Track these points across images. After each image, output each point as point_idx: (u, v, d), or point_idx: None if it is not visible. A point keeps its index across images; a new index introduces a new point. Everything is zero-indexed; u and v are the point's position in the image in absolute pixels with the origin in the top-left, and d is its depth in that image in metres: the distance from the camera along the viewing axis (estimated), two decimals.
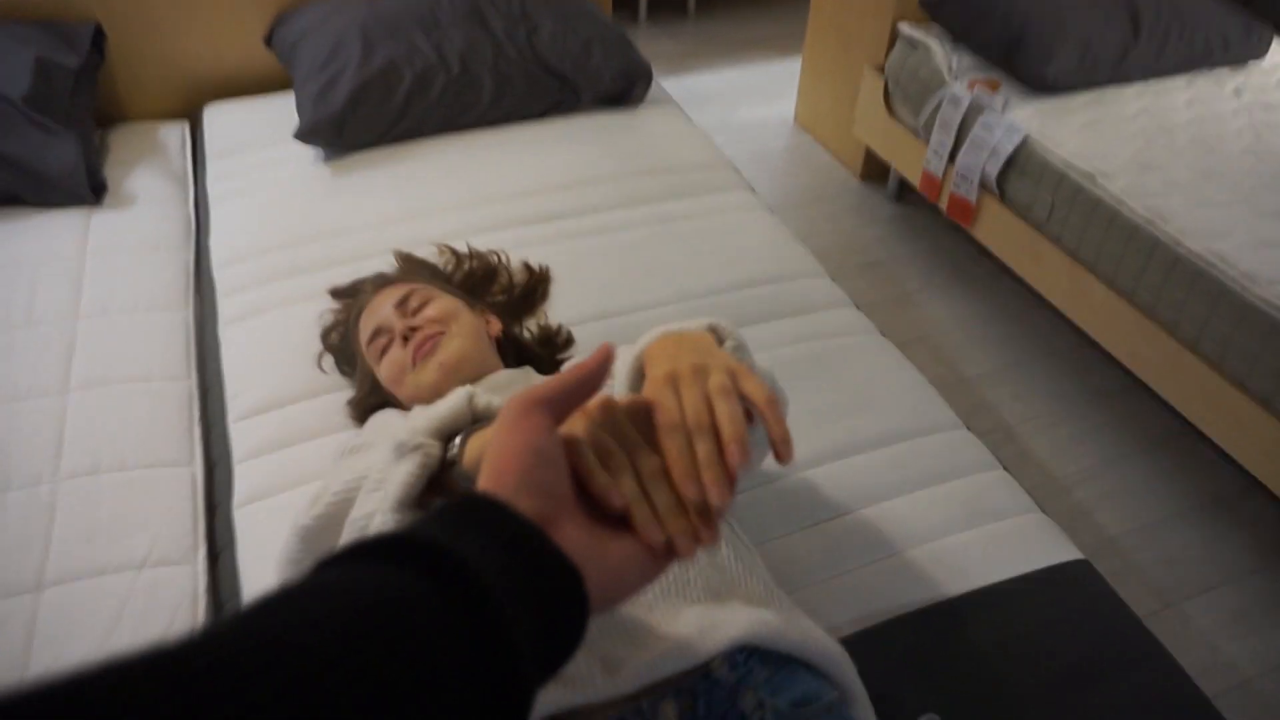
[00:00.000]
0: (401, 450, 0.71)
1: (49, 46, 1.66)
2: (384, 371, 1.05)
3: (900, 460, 1.11)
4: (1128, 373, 1.90)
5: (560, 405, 0.48)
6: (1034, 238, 1.97)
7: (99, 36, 1.79)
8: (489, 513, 0.41)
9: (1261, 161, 1.85)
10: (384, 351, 1.05)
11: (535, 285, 1.34)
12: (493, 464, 0.45)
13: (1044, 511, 1.09)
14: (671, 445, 0.49)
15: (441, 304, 1.06)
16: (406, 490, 0.67)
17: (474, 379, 1.01)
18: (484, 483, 0.44)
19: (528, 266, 1.36)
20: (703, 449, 0.49)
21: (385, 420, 1.00)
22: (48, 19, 1.74)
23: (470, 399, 0.75)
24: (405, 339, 1.02)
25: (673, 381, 0.54)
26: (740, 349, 0.79)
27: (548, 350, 1.21)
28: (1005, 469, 1.14)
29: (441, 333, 1.03)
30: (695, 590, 0.78)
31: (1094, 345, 2.01)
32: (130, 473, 1.09)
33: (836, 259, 2.34)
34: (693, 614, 0.75)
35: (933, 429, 1.16)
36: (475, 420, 0.75)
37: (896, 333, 2.11)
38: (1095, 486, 1.79)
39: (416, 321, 1.04)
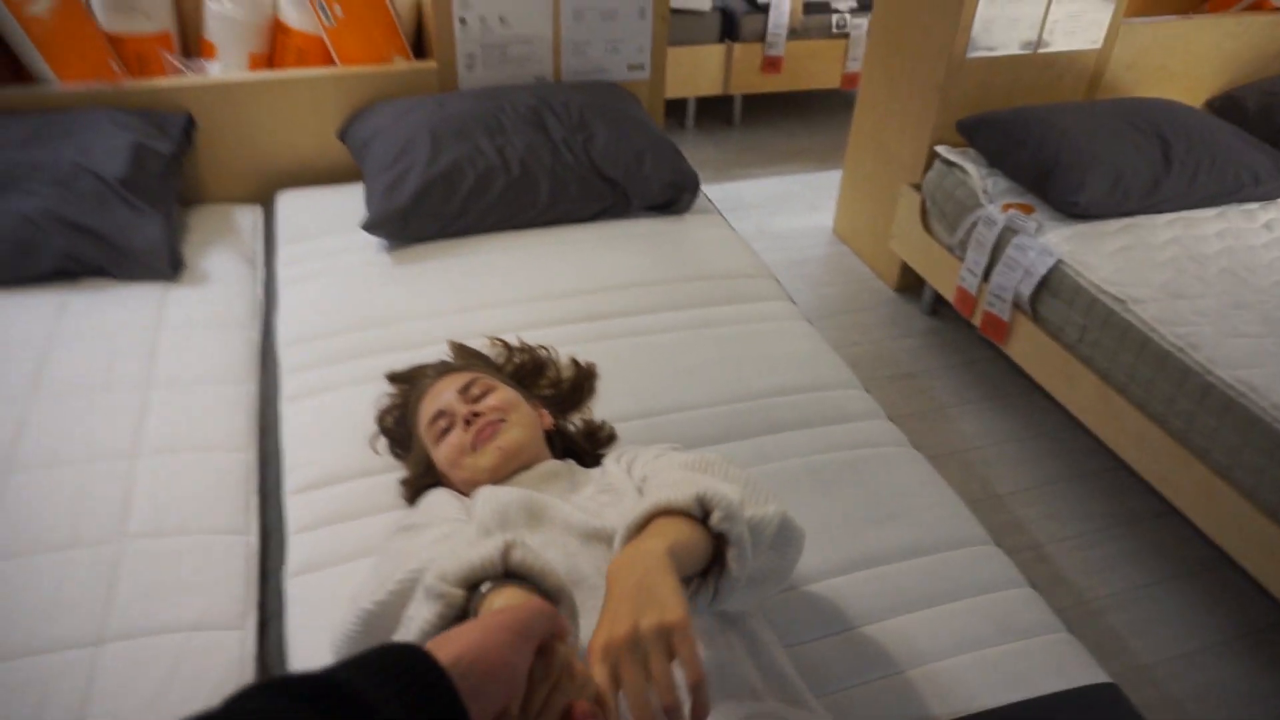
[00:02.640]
0: (429, 593, 0.76)
1: (146, 133, 1.80)
2: (442, 453, 1.10)
3: (928, 572, 1.14)
4: (1162, 498, 1.91)
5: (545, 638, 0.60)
6: (1066, 359, 2.01)
7: (190, 125, 1.94)
8: (416, 664, 0.47)
9: None
10: (444, 434, 1.10)
11: (582, 381, 1.40)
12: (465, 643, 0.53)
13: (1075, 633, 1.10)
14: None
15: (502, 394, 1.13)
16: (423, 635, 0.75)
17: (527, 466, 1.06)
18: (446, 644, 0.52)
19: (575, 363, 1.42)
20: None
21: (437, 500, 1.05)
22: (147, 108, 1.89)
23: (506, 552, 0.77)
24: (467, 423, 1.08)
25: (610, 658, 0.66)
26: (729, 518, 0.81)
27: (591, 444, 1.26)
28: (1034, 587, 1.16)
29: (502, 420, 1.09)
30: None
31: (1128, 468, 2.02)
32: (190, 537, 1.15)
33: (870, 369, 2.39)
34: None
35: (962, 543, 1.19)
36: (507, 574, 0.77)
37: (929, 446, 2.14)
38: (1128, 612, 1.78)
39: (479, 408, 1.10)
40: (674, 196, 1.94)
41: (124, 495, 1.20)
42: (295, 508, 1.21)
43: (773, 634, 0.97)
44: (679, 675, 0.71)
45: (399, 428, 1.26)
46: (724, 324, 1.60)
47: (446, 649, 0.51)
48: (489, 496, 0.98)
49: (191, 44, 2.22)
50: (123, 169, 1.69)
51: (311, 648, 1.02)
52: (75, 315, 1.55)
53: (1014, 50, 2.39)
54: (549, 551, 0.92)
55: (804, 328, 1.62)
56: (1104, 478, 2.07)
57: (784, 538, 0.91)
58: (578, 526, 0.94)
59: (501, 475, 1.05)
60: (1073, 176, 2.10)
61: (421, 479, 1.15)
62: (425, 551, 0.89)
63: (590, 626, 0.73)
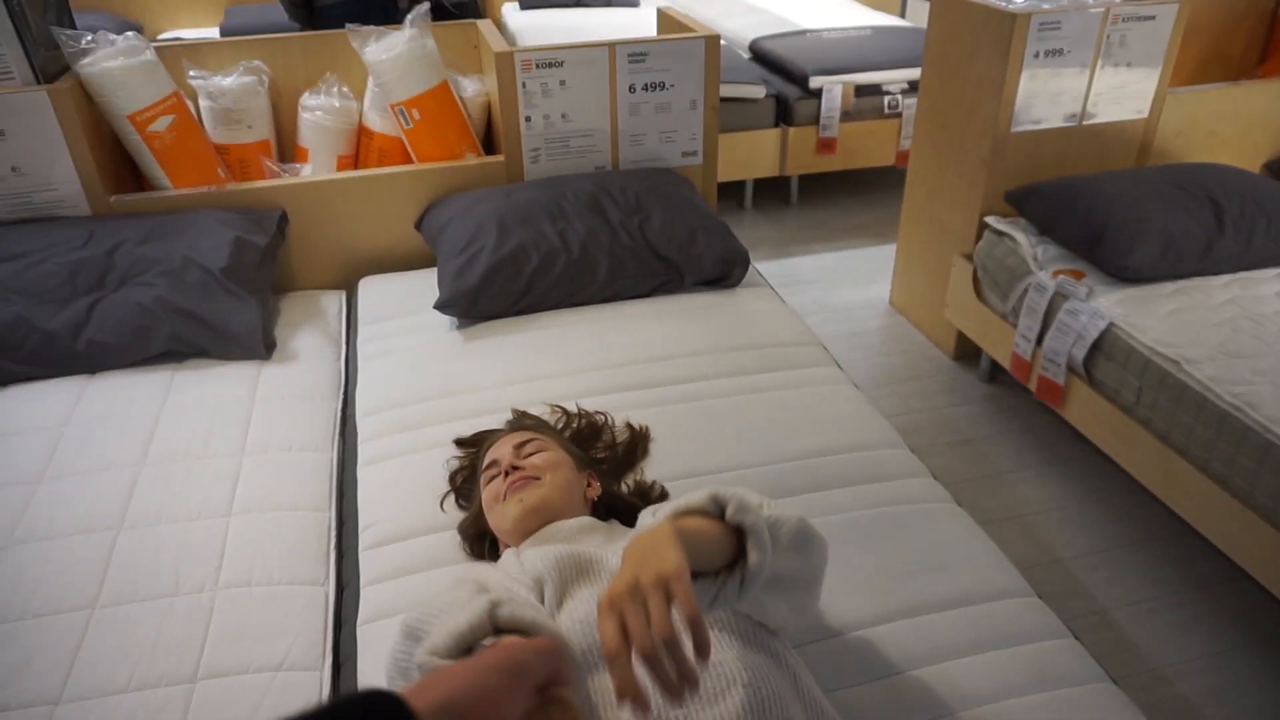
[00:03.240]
0: (422, 669, 0.80)
1: (245, 228, 2.00)
2: (484, 496, 1.22)
3: (969, 621, 1.16)
4: (1231, 561, 1.86)
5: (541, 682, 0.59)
6: (1123, 421, 2.00)
7: (283, 220, 2.14)
8: (387, 712, 0.46)
9: None
10: (490, 480, 1.22)
11: (636, 443, 1.48)
12: (453, 686, 0.52)
13: (1143, 704, 1.10)
14: (614, 670, 0.65)
15: (551, 455, 1.22)
16: None
17: (550, 521, 1.15)
18: (433, 687, 0.51)
19: (630, 426, 1.51)
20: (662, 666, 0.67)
21: (504, 560, 1.11)
22: (247, 207, 2.11)
23: (491, 610, 0.80)
24: (507, 474, 1.19)
25: (615, 609, 0.70)
26: (743, 509, 0.88)
27: (643, 502, 1.33)
28: (1078, 638, 1.17)
29: (537, 478, 1.18)
30: (771, 718, 0.87)
31: (1194, 532, 1.99)
32: (275, 587, 1.26)
33: (930, 435, 2.41)
34: None
35: (1004, 594, 1.21)
36: (498, 631, 0.80)
37: (989, 511, 2.14)
38: (1200, 680, 1.73)
39: (522, 462, 1.20)
40: (725, 272, 2.05)
41: (218, 550, 1.32)
42: (368, 562, 1.31)
43: (811, 677, 1.01)
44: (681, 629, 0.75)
45: (466, 485, 1.36)
46: (772, 389, 1.67)
47: (431, 692, 0.49)
48: (540, 554, 1.05)
49: (287, 149, 2.47)
50: (224, 260, 1.88)
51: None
52: (180, 391, 1.72)
53: (1059, 123, 2.46)
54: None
55: (850, 391, 1.68)
56: (1170, 542, 2.03)
57: (803, 537, 0.97)
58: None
59: (527, 529, 1.14)
60: (1122, 241, 2.13)
61: (471, 527, 1.25)
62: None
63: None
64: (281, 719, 0.44)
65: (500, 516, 1.17)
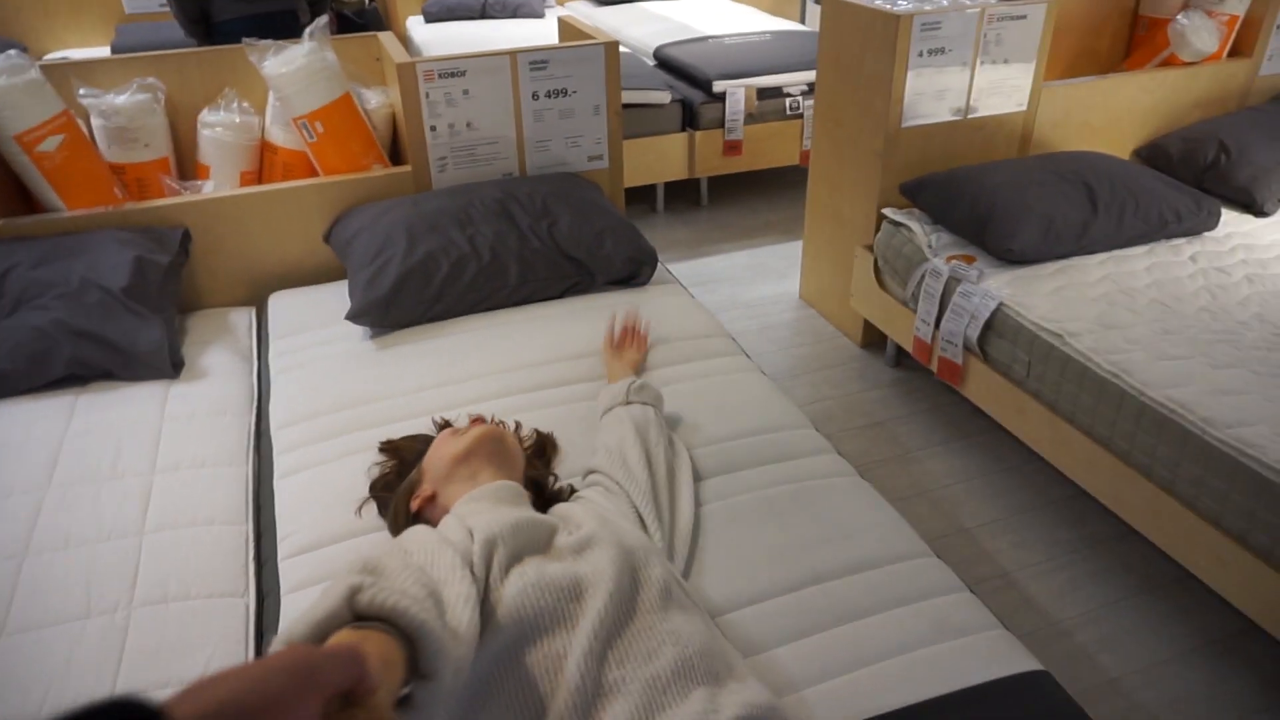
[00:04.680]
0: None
1: (146, 247, 1.97)
2: (430, 457, 1.27)
3: (873, 584, 1.23)
4: (1119, 519, 2.00)
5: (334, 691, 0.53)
6: (1016, 394, 2.13)
7: (186, 238, 2.10)
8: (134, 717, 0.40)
9: (1216, 319, 2.02)
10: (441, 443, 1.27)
11: (545, 446, 1.50)
12: (228, 690, 0.45)
13: (1044, 654, 1.18)
14: None
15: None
16: None
17: (499, 474, 1.21)
18: (205, 690, 0.45)
19: (537, 432, 1.53)
20: None
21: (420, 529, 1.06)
22: (147, 225, 2.07)
23: (351, 597, 0.73)
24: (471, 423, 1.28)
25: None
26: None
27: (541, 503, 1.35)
28: (973, 591, 1.25)
29: (501, 423, 1.33)
30: (698, 674, 0.93)
31: (1086, 494, 2.12)
32: (193, 601, 1.25)
33: (841, 421, 2.50)
34: (699, 694, 0.90)
35: (904, 556, 1.29)
36: (358, 618, 0.73)
37: (899, 489, 2.24)
38: (1095, 630, 1.84)
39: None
40: (635, 270, 2.10)
41: (132, 569, 1.30)
42: (288, 571, 1.31)
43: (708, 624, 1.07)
44: None
45: (385, 493, 1.36)
46: (684, 380, 1.72)
47: (201, 697, 0.43)
48: (495, 517, 1.04)
49: (187, 167, 2.42)
50: (125, 280, 1.84)
51: None
52: (84, 415, 1.68)
53: (946, 118, 2.59)
54: (556, 565, 1.01)
55: (758, 378, 1.74)
56: (1065, 505, 2.17)
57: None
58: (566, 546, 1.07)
59: (484, 456, 1.21)
60: (1006, 226, 2.26)
61: (397, 515, 1.27)
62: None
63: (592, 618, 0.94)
64: None
65: (453, 445, 1.23)
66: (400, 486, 1.30)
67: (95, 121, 2.22)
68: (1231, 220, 2.53)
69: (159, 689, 1.12)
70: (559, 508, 1.20)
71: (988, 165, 2.51)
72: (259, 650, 1.22)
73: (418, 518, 1.22)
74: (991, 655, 1.13)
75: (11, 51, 2.04)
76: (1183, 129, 2.87)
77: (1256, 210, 2.57)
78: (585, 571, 1.01)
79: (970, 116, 2.62)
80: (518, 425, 1.53)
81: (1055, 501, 2.18)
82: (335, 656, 0.53)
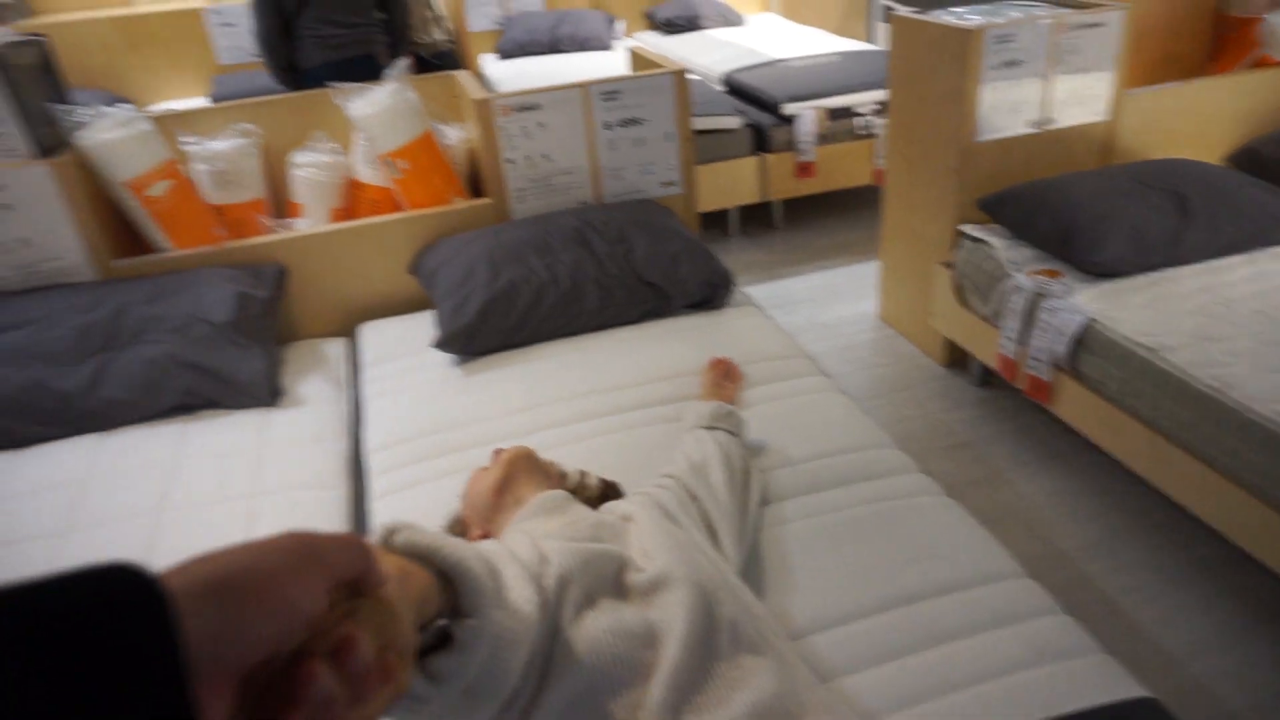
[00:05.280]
0: None
1: (246, 283, 2.07)
2: (472, 492, 1.23)
3: (964, 605, 1.21)
4: (1227, 540, 1.90)
5: (342, 576, 0.47)
6: (1111, 411, 2.06)
7: (282, 274, 2.21)
8: (123, 582, 0.35)
9: None
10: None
11: (607, 493, 1.40)
12: (226, 564, 0.41)
13: (1155, 686, 1.11)
14: None
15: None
16: None
17: (545, 485, 1.21)
18: (202, 564, 0.41)
19: (603, 481, 1.39)
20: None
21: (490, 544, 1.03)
22: (246, 263, 2.18)
23: (386, 538, 0.70)
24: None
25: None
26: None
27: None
28: (1071, 615, 1.21)
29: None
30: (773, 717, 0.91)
31: (1191, 515, 2.03)
32: None
33: (925, 441, 2.46)
34: None
35: (996, 577, 1.26)
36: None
37: (990, 510, 2.18)
38: (1209, 660, 1.75)
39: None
40: (710, 294, 2.11)
41: None
42: None
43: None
44: None
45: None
46: (764, 401, 1.72)
47: (197, 569, 0.40)
48: (564, 547, 1.00)
49: (282, 206, 2.54)
50: (229, 314, 1.95)
51: None
52: (193, 441, 1.77)
53: (1022, 130, 2.55)
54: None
55: (838, 398, 1.73)
56: (1169, 527, 2.08)
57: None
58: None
59: (527, 477, 1.20)
60: (1092, 238, 2.20)
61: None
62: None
63: None
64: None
65: (487, 479, 1.20)
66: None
67: (197, 166, 2.36)
68: None
69: None
70: (618, 507, 1.18)
71: (1069, 176, 2.45)
72: None
73: None
74: (1095, 681, 1.10)
75: (125, 106, 2.19)
76: (1277, 131, 2.75)
77: None
78: (659, 618, 0.97)
79: (1048, 128, 2.57)
80: (583, 475, 1.37)
81: (1158, 524, 2.09)
82: (337, 539, 0.48)
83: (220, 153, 2.34)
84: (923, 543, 1.32)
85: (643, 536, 1.10)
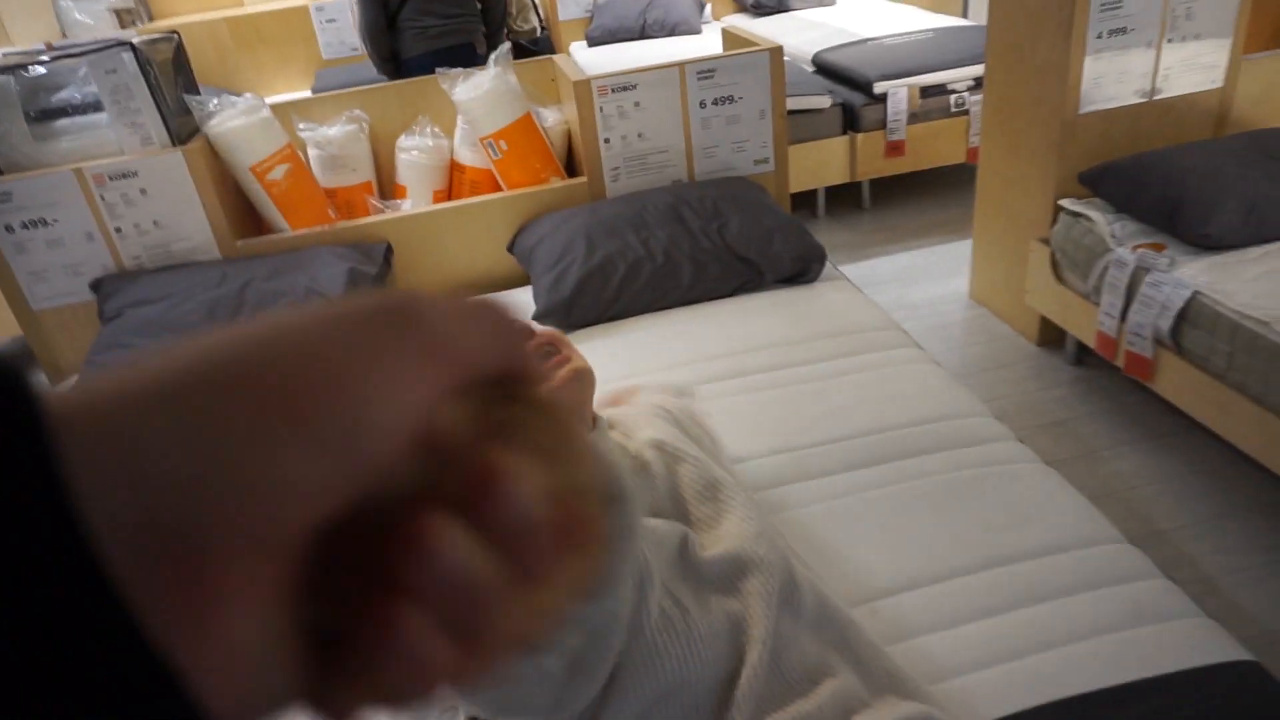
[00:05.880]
0: None
1: (357, 260, 2.19)
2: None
3: (1060, 568, 1.21)
4: None
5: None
6: (1217, 388, 1.99)
7: (389, 252, 2.33)
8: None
9: None
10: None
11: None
12: (244, 342, 0.21)
13: (1264, 661, 1.09)
14: None
15: None
16: None
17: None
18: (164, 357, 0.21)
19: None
20: None
21: None
22: (357, 241, 2.30)
23: None
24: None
25: None
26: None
27: None
28: (1171, 578, 1.21)
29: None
30: (851, 704, 0.89)
31: None
32: None
33: (1019, 420, 2.42)
34: None
35: (1093, 541, 1.26)
36: None
37: (1086, 489, 2.10)
38: None
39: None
40: (803, 268, 2.13)
41: None
42: None
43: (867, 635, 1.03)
44: None
45: None
46: (857, 371, 1.74)
47: (179, 358, 0.20)
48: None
49: (387, 188, 2.67)
50: (342, 288, 2.07)
51: None
52: None
53: (1129, 100, 2.47)
54: None
55: (932, 368, 1.74)
56: (1277, 508, 2.01)
57: None
58: None
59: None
60: (1201, 209, 2.13)
61: None
62: None
63: None
64: None
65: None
66: None
67: (311, 151, 2.50)
68: None
69: None
70: (644, 432, 1.10)
71: (1179, 147, 2.37)
72: None
73: None
74: (1194, 642, 1.09)
75: (248, 95, 2.34)
76: None
77: None
78: (739, 611, 0.90)
79: (1157, 98, 2.48)
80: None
81: (1266, 506, 2.02)
82: (459, 306, 0.25)
83: (332, 138, 2.48)
84: (1019, 508, 1.33)
85: (696, 486, 1.03)
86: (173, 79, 2.28)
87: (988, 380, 2.62)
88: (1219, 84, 2.50)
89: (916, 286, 3.19)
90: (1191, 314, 2.04)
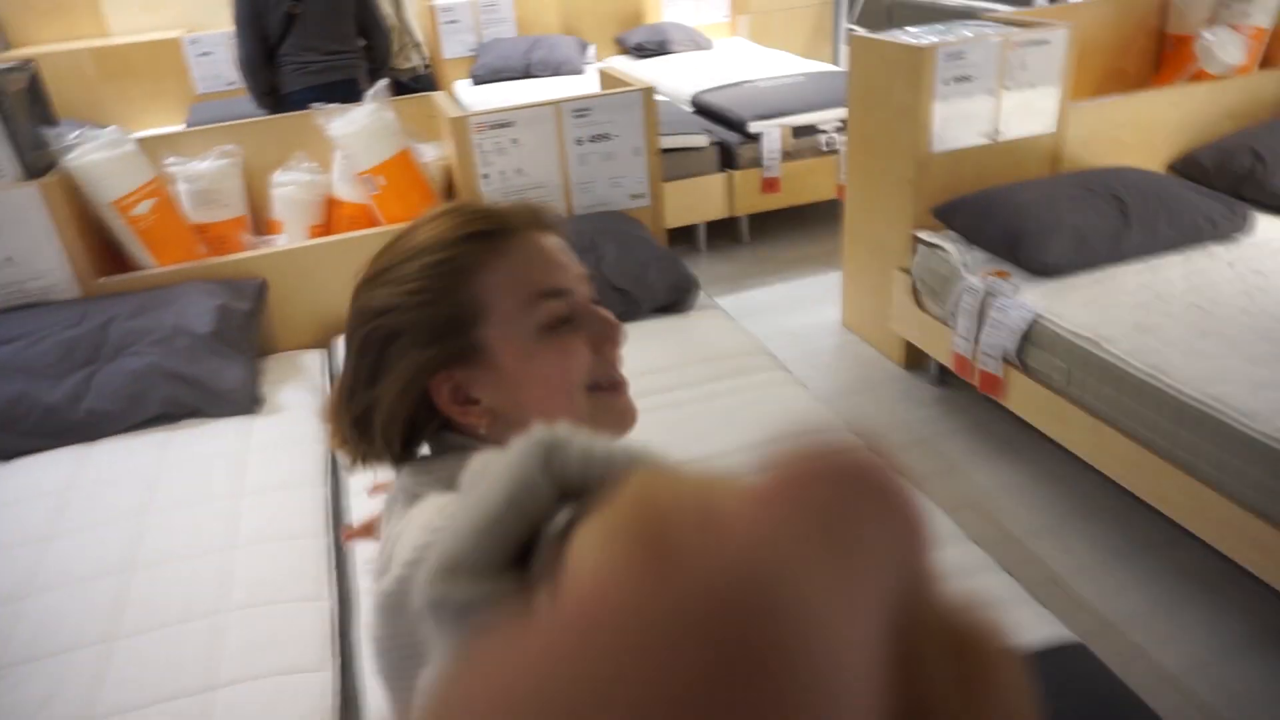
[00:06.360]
0: (440, 606, 0.33)
1: (227, 296, 2.15)
2: (552, 361, 0.68)
3: None
4: (1170, 521, 2.01)
5: None
6: (1057, 402, 2.17)
7: (263, 288, 2.28)
8: None
9: (1254, 319, 2.05)
10: (555, 330, 0.68)
11: None
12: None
13: (1099, 651, 1.20)
14: None
15: None
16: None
17: None
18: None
19: None
20: None
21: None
22: (229, 278, 2.25)
23: (547, 453, 0.30)
24: (598, 344, 0.70)
25: None
26: None
27: None
28: (1010, 574, 1.31)
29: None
30: None
31: (1134, 499, 2.13)
32: (281, 605, 1.37)
33: (885, 438, 2.55)
34: None
35: (936, 542, 1.35)
36: (564, 498, 0.31)
37: (947, 501, 2.27)
38: (1150, 629, 1.85)
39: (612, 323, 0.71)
40: (678, 298, 2.21)
41: (226, 579, 1.43)
42: (365, 573, 1.43)
43: None
44: None
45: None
46: (727, 395, 1.82)
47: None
48: None
49: (262, 224, 2.62)
50: (210, 325, 2.02)
51: None
52: (177, 448, 1.83)
53: (975, 142, 2.67)
54: None
55: (796, 390, 1.83)
56: (1114, 510, 2.18)
57: None
58: None
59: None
60: (1038, 240, 2.32)
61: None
62: None
63: None
64: None
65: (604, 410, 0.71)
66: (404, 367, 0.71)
67: (181, 186, 2.44)
68: (1270, 226, 2.55)
69: (254, 680, 1.24)
70: None
71: (1018, 184, 2.58)
72: (342, 647, 1.33)
73: None
74: (1027, 629, 1.19)
75: (111, 128, 2.27)
76: (1216, 140, 2.90)
77: None
78: None
79: (999, 140, 2.70)
80: None
81: (1104, 508, 2.20)
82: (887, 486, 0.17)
83: (202, 173, 2.42)
84: None
85: None
86: (28, 110, 2.19)
87: (859, 401, 2.75)
88: (1052, 128, 2.74)
89: (792, 315, 3.33)
90: (1034, 335, 2.22)
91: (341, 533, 1.06)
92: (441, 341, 0.66)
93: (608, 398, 0.70)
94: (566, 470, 0.29)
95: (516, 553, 0.27)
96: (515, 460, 0.29)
